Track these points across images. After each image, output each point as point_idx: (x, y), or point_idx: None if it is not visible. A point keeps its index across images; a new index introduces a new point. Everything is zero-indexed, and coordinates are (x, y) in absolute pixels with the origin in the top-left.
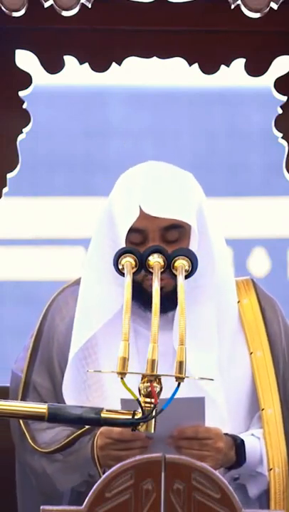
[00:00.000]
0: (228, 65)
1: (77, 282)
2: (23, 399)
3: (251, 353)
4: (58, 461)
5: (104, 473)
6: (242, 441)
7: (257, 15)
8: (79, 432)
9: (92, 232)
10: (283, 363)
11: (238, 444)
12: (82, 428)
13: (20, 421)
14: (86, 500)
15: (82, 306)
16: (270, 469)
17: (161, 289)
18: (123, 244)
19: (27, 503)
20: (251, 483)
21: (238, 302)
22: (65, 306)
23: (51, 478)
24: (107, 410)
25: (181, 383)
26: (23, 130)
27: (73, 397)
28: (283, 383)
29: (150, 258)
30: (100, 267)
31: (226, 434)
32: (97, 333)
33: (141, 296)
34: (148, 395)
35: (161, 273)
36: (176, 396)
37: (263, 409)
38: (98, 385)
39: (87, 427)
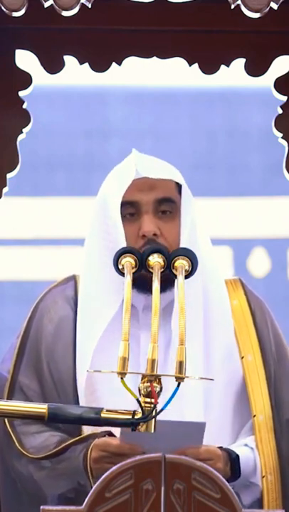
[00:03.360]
0: (228, 65)
1: (64, 282)
2: (9, 399)
3: (242, 358)
4: (46, 468)
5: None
6: (237, 456)
7: (257, 15)
8: (71, 440)
9: (86, 231)
10: (274, 366)
11: (233, 460)
12: (73, 435)
13: (6, 422)
14: (86, 500)
15: (84, 307)
16: (263, 476)
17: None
18: (117, 215)
19: (12, 506)
20: (245, 493)
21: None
22: (54, 306)
23: (38, 483)
24: (107, 410)
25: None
26: (23, 130)
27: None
28: (274, 388)
29: (150, 258)
30: (96, 263)
31: (221, 447)
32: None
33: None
34: (148, 395)
35: (162, 273)
36: (178, 419)
37: (254, 416)
38: (89, 383)
39: (83, 432)
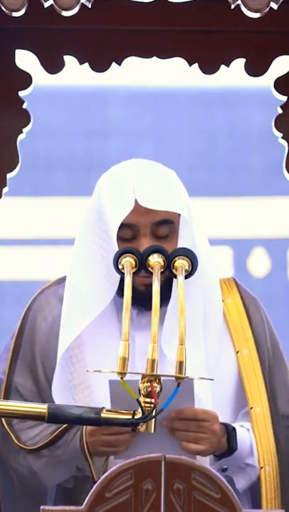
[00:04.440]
0: (228, 65)
1: (58, 282)
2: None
3: (237, 352)
4: (44, 456)
5: (93, 464)
6: (233, 428)
7: (257, 15)
8: (65, 425)
9: (77, 231)
10: (269, 360)
11: (230, 432)
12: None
13: (3, 421)
14: (86, 500)
15: (69, 304)
16: (261, 467)
17: (148, 285)
18: (114, 240)
19: (10, 505)
20: (239, 476)
21: (222, 301)
22: (48, 306)
23: (38, 475)
24: (107, 410)
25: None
26: (23, 130)
27: (60, 396)
28: (270, 381)
29: (150, 258)
30: (87, 264)
31: None
32: (82, 332)
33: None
34: (148, 395)
35: (162, 273)
36: (165, 379)
37: (251, 408)
38: (85, 385)
39: None
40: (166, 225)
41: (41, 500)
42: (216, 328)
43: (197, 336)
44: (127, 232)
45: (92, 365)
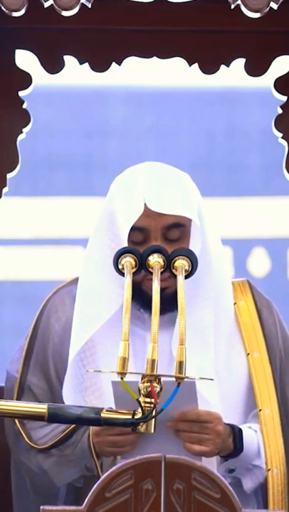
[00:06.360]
0: (228, 65)
1: (73, 282)
2: (18, 399)
3: (248, 354)
4: (54, 455)
5: (101, 465)
6: (240, 430)
7: (257, 15)
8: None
9: (90, 233)
10: (280, 363)
11: (236, 433)
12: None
13: (16, 420)
14: (86, 500)
15: (80, 307)
16: (269, 470)
17: (163, 289)
18: (125, 243)
19: (23, 504)
20: (247, 477)
21: (235, 304)
22: (62, 306)
23: (48, 473)
24: (106, 410)
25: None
26: (23, 130)
27: (71, 398)
28: (280, 384)
29: (150, 258)
30: (99, 267)
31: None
32: (94, 335)
33: (140, 296)
34: (148, 395)
35: (161, 273)
36: (167, 380)
37: (260, 410)
38: (96, 388)
39: None
40: (177, 228)
41: (52, 498)
42: (226, 330)
43: (207, 338)
44: (138, 236)
45: (104, 367)
